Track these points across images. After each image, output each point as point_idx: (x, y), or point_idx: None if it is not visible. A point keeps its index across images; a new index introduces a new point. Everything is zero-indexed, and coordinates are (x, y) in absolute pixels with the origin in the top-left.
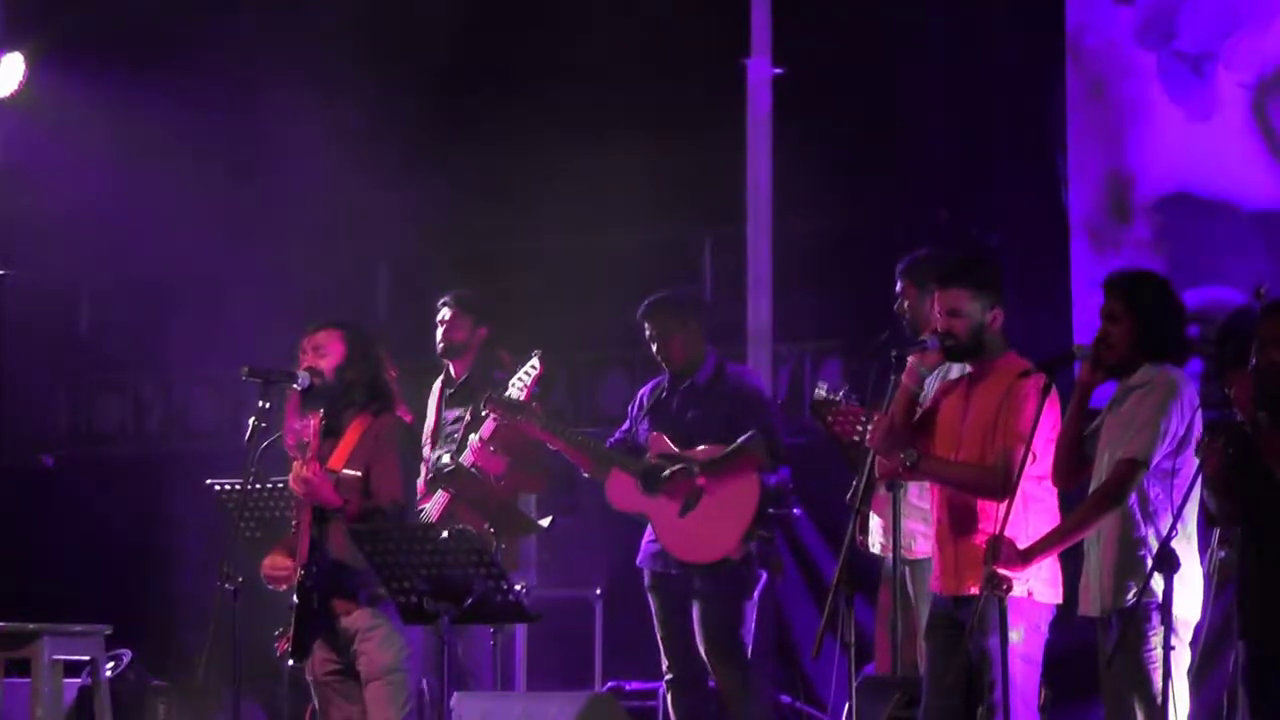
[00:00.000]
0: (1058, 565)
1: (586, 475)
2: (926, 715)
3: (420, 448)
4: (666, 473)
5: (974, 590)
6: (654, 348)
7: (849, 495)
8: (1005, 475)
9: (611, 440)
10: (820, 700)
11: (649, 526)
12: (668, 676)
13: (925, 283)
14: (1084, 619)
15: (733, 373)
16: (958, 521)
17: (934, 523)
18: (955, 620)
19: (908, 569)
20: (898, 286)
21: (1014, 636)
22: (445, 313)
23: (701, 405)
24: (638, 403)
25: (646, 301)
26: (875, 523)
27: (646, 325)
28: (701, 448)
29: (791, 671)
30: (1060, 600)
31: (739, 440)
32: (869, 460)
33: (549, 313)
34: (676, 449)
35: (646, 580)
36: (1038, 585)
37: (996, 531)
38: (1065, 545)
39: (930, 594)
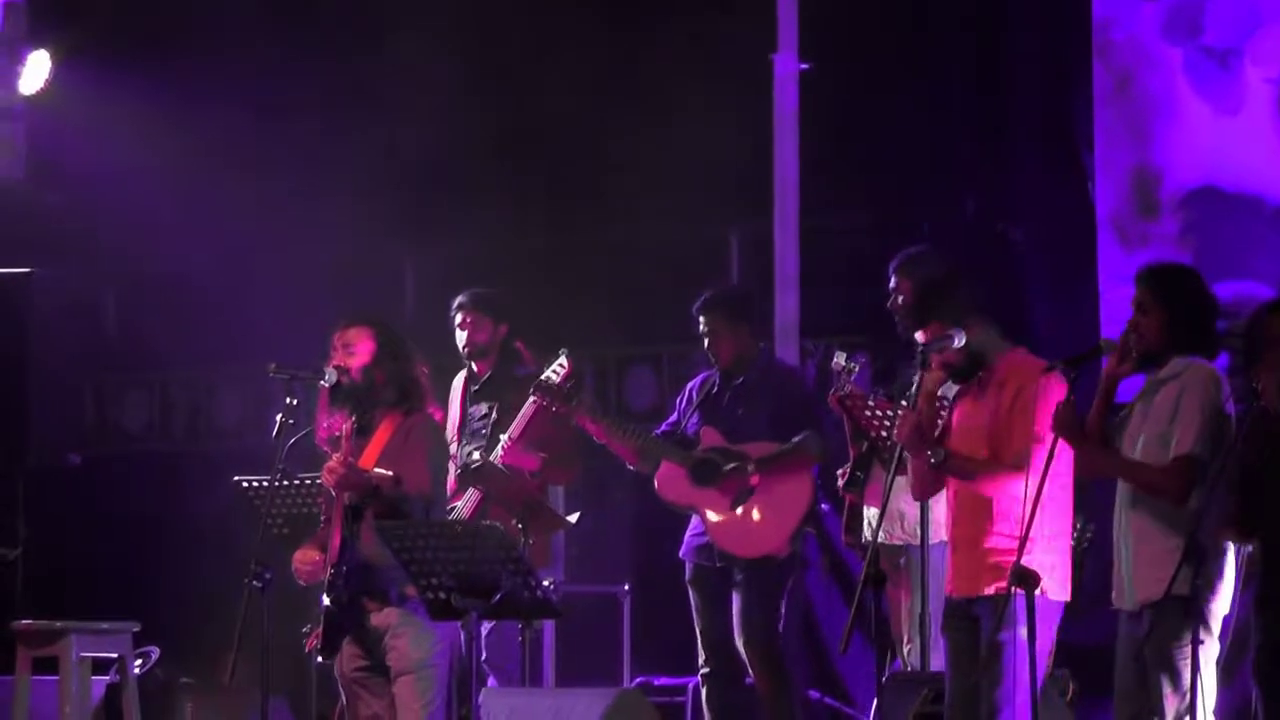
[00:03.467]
0: (1069, 565)
1: (631, 467)
2: (950, 705)
3: (448, 446)
4: (727, 468)
5: (989, 592)
6: (706, 342)
7: (840, 484)
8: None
9: (658, 431)
10: (848, 695)
11: (694, 519)
12: (704, 670)
13: (920, 279)
14: (1111, 614)
15: (784, 371)
16: (973, 524)
17: (949, 525)
18: (971, 614)
19: (901, 555)
20: (891, 283)
21: (1024, 633)
22: (464, 316)
23: (751, 402)
24: (686, 396)
25: (703, 297)
26: (868, 513)
27: (701, 320)
28: (752, 444)
29: (819, 666)
30: (1069, 598)
31: (795, 439)
32: (896, 456)
33: (575, 308)
34: (727, 444)
35: (688, 573)
36: (1049, 584)
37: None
38: (1115, 474)
39: (946, 595)
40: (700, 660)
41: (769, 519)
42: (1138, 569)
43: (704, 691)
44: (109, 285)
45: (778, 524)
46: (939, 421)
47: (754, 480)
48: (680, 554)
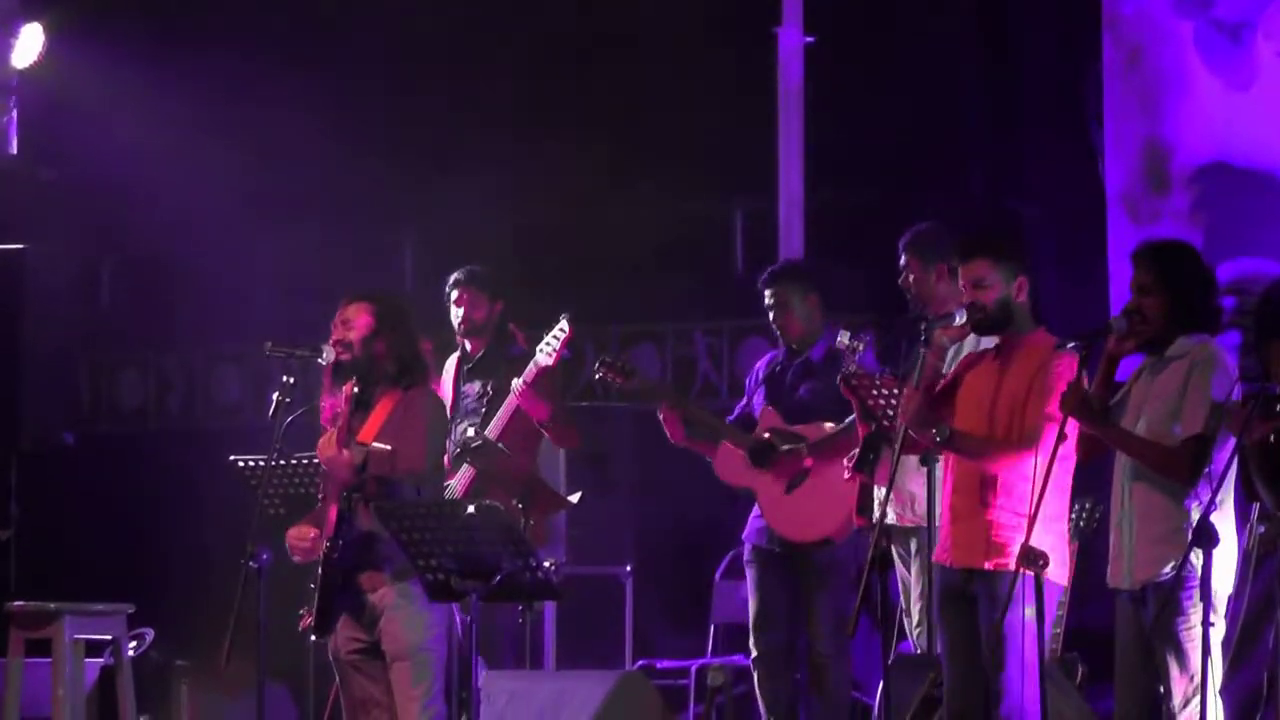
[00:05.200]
0: (1067, 547)
1: (709, 459)
2: (950, 690)
3: (448, 422)
4: (785, 449)
5: (986, 565)
6: (771, 315)
7: (851, 462)
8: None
9: (731, 417)
10: (854, 677)
11: (756, 503)
12: (754, 653)
13: (929, 256)
14: (1110, 595)
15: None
16: (976, 495)
17: (946, 495)
18: (966, 594)
19: (913, 537)
20: (901, 260)
21: (1028, 613)
22: (461, 293)
23: (815, 380)
24: (754, 376)
25: (769, 269)
26: (878, 493)
27: (768, 292)
28: (810, 426)
29: None
30: (1066, 582)
31: (848, 420)
32: (900, 434)
33: (577, 285)
34: (786, 425)
35: (747, 554)
36: (1049, 566)
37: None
38: (1125, 451)
39: (938, 565)
40: (750, 641)
41: (824, 502)
42: (1140, 548)
43: (755, 676)
44: (104, 262)
45: (833, 507)
46: (941, 373)
47: (808, 463)
48: (743, 535)
